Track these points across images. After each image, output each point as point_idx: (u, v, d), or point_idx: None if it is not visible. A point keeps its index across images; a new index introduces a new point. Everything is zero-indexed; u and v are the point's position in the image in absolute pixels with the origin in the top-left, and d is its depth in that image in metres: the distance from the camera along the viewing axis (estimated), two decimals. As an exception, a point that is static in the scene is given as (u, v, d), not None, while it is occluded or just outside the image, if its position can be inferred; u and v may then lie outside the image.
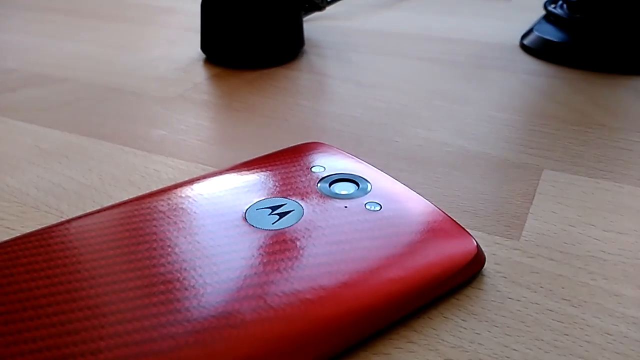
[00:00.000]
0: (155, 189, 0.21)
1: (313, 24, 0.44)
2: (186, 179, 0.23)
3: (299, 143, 0.26)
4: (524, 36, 0.39)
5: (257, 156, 0.24)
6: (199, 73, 0.35)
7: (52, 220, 0.21)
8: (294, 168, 0.21)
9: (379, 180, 0.20)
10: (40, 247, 0.17)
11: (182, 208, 0.19)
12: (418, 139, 0.26)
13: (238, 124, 0.28)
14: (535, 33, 0.37)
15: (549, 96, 0.31)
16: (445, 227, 0.18)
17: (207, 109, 0.30)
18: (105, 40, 0.42)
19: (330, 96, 0.31)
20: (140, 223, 0.18)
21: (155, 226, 0.18)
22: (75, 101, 0.31)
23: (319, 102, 0.31)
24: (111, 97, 0.32)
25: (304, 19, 0.45)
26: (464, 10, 0.48)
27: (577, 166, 0.24)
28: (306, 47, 0.39)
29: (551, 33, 0.37)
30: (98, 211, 0.19)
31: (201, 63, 0.37)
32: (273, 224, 0.18)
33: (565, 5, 0.39)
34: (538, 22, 0.39)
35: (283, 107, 0.30)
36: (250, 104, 0.30)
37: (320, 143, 0.23)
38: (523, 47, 0.38)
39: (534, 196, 0.22)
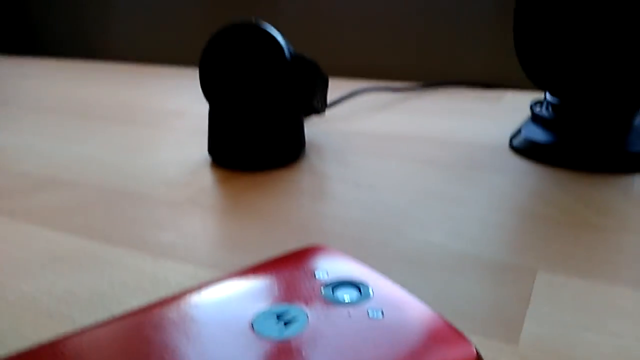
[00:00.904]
0: (163, 297, 0.22)
1: (313, 127, 0.47)
2: (194, 284, 0.24)
3: (302, 246, 0.27)
4: (512, 137, 0.41)
5: (262, 260, 0.25)
6: (206, 176, 0.37)
7: (65, 328, 0.21)
8: (298, 273, 0.22)
9: (381, 286, 0.21)
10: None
11: (190, 317, 0.19)
12: (416, 241, 0.28)
13: (243, 227, 0.29)
14: (523, 134, 0.40)
15: (540, 196, 0.32)
16: (445, 334, 0.19)
17: (214, 212, 0.31)
18: (116, 143, 0.44)
19: (331, 197, 0.33)
20: (150, 333, 0.19)
21: (164, 336, 0.18)
22: (87, 205, 0.33)
23: (320, 204, 0.32)
24: (121, 201, 0.33)
25: (305, 122, 0.47)
26: (454, 112, 0.50)
27: (571, 268, 0.25)
28: (307, 148, 0.41)
29: (538, 134, 0.39)
30: (108, 322, 0.19)
31: (208, 166, 0.38)
32: (279, 333, 0.18)
33: (550, 107, 0.41)
34: (525, 124, 0.42)
35: (286, 209, 0.31)
36: (255, 207, 0.32)
37: (323, 246, 0.25)
38: (512, 147, 0.40)
39: (530, 299, 0.23)
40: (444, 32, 0.68)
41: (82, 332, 0.19)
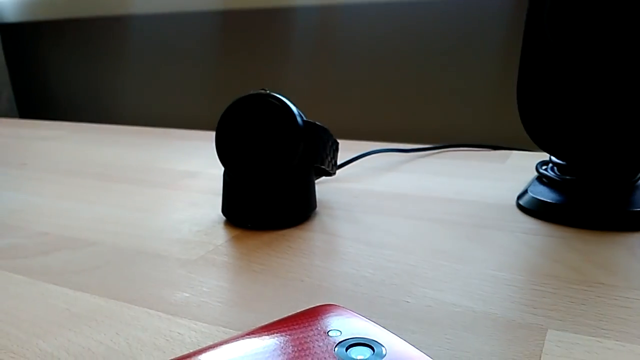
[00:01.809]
0: (178, 356, 0.23)
1: (324, 186, 0.48)
2: (208, 343, 0.24)
3: (315, 305, 0.28)
4: (519, 197, 0.42)
5: (275, 319, 0.26)
6: (220, 235, 0.38)
7: (83, 386, 0.22)
8: (312, 332, 0.23)
9: (393, 345, 0.22)
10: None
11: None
12: (427, 299, 0.28)
13: (256, 286, 0.30)
14: (530, 194, 0.41)
15: (547, 255, 0.33)
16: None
17: (228, 270, 0.32)
18: (132, 204, 0.45)
19: (342, 256, 0.33)
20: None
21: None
22: (104, 264, 0.33)
23: (332, 262, 0.33)
24: (137, 260, 0.34)
25: (316, 181, 0.49)
26: (461, 172, 0.51)
27: (580, 325, 0.25)
28: (318, 208, 0.42)
29: (544, 194, 0.40)
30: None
31: (222, 225, 0.39)
32: (294, 390, 0.19)
33: (555, 168, 0.42)
34: (532, 183, 0.43)
35: (298, 267, 0.32)
36: (268, 265, 0.33)
37: (335, 305, 0.25)
38: (519, 206, 0.41)
39: (540, 357, 0.23)
40: (450, 95, 0.70)
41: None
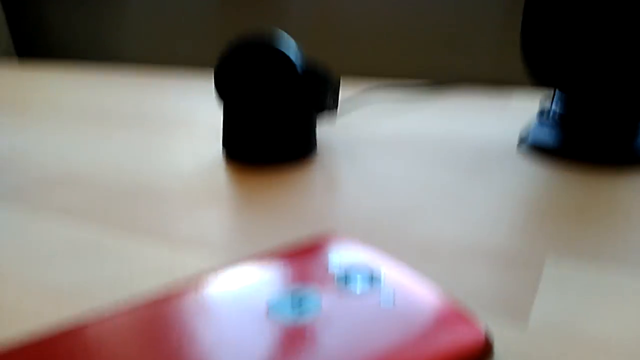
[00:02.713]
0: (180, 285, 0.23)
1: (325, 129, 0.48)
2: (210, 270, 0.25)
3: (316, 235, 0.28)
4: (521, 138, 0.41)
5: (276, 248, 0.26)
6: (221, 172, 0.38)
7: (85, 315, 0.22)
8: (312, 260, 0.23)
9: (392, 271, 0.22)
10: (75, 344, 0.18)
11: (206, 302, 0.20)
12: (427, 234, 0.28)
13: (258, 219, 0.30)
14: (532, 135, 0.40)
15: (549, 195, 0.33)
16: (455, 317, 0.19)
17: (229, 205, 0.32)
18: (132, 143, 0.45)
19: (343, 192, 0.34)
20: (166, 320, 0.19)
21: (181, 323, 0.19)
22: (105, 200, 0.34)
23: (332, 198, 0.33)
24: (139, 196, 0.34)
25: (317, 122, 0.48)
26: (462, 112, 0.51)
27: (579, 254, 0.25)
28: (319, 147, 0.42)
29: (547, 133, 0.40)
30: (126, 308, 0.20)
31: (222, 163, 0.39)
32: (293, 318, 0.19)
33: (558, 107, 0.42)
34: (534, 123, 0.42)
35: (300, 201, 0.32)
36: (269, 200, 0.33)
37: (336, 235, 0.25)
38: (522, 146, 0.40)
39: (538, 286, 0.23)
40: (452, 32, 0.69)
41: (101, 318, 0.20)
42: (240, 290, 0.21)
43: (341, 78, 0.69)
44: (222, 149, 0.40)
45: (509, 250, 0.26)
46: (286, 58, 0.37)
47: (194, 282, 0.22)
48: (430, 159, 0.39)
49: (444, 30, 0.69)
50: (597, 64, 0.36)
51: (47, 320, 0.22)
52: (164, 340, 0.18)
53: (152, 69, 0.80)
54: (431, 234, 0.28)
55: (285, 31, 0.79)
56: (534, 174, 0.36)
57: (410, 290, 0.21)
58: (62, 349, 0.18)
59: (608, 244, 0.26)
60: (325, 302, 0.20)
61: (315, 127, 0.40)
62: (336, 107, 0.44)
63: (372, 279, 0.21)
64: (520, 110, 0.51)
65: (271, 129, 0.38)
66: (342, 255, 0.23)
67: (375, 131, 0.46)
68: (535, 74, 0.38)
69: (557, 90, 0.40)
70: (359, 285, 0.21)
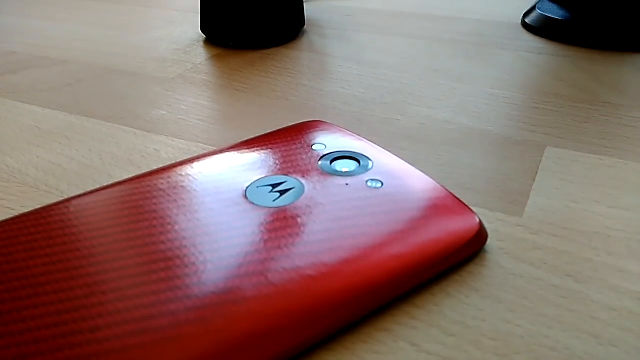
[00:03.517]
0: (155, 168, 0.21)
1: (313, 4, 0.44)
2: (186, 158, 0.23)
3: (300, 121, 0.26)
4: (526, 14, 0.38)
5: (257, 135, 0.24)
6: (199, 54, 0.35)
7: (52, 200, 0.21)
8: (295, 146, 0.21)
9: (381, 158, 0.20)
10: (39, 225, 0.17)
11: (182, 186, 0.19)
12: (420, 117, 0.26)
13: (238, 104, 0.28)
14: (537, 11, 0.37)
15: (552, 74, 0.30)
16: (447, 203, 0.18)
17: (207, 89, 0.30)
18: (106, 21, 0.42)
19: (332, 75, 0.31)
20: (140, 201, 0.18)
21: (155, 204, 0.18)
22: (76, 82, 0.31)
23: (321, 82, 0.30)
24: (111, 78, 0.31)
25: (305, -2, 0.44)
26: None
27: (581, 143, 0.24)
28: (307, 27, 0.39)
29: (553, 11, 0.36)
30: (98, 190, 0.19)
31: (201, 44, 0.36)
32: (274, 201, 0.18)
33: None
34: (540, 1, 0.39)
35: (284, 86, 0.30)
36: (251, 84, 0.30)
37: (321, 121, 0.23)
38: (525, 25, 0.38)
39: (536, 173, 0.22)
40: None
41: (70, 200, 0.18)
42: (217, 175, 0.19)
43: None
44: (201, 30, 0.37)
45: (507, 136, 0.24)
46: None
47: (169, 167, 0.20)
48: (426, 37, 0.36)
49: None
50: None
51: (8, 204, 0.20)
52: (138, 223, 0.17)
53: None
54: (424, 120, 0.26)
55: None
56: (538, 52, 0.33)
57: (400, 176, 0.19)
58: (25, 233, 0.16)
59: (612, 131, 0.25)
60: (307, 187, 0.18)
61: (302, 2, 0.37)
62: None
63: (360, 165, 0.20)
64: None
65: (254, 7, 0.34)
66: (328, 141, 0.21)
67: (368, 9, 0.42)
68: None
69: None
70: (344, 171, 0.19)
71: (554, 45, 0.34)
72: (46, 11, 0.45)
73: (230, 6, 0.34)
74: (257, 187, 0.18)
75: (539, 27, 0.36)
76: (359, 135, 0.24)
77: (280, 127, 0.25)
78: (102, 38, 0.38)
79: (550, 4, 0.38)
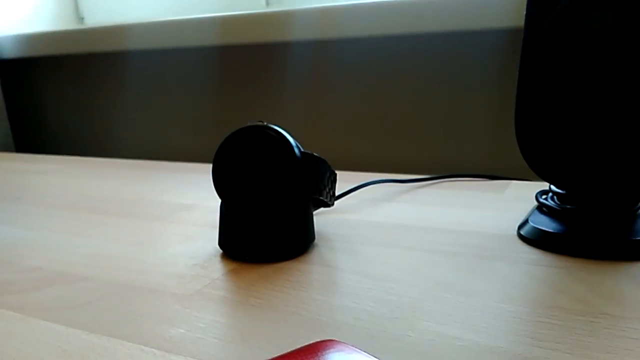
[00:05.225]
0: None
1: (322, 218, 0.47)
2: (205, 380, 0.23)
3: (314, 341, 0.27)
4: (520, 226, 0.41)
5: (273, 356, 0.25)
6: (217, 269, 0.37)
7: None
8: (312, 368, 0.22)
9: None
10: None
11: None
12: (430, 333, 0.27)
13: (254, 320, 0.29)
14: (531, 224, 0.40)
15: (551, 286, 0.32)
16: None
17: (224, 305, 0.31)
18: (127, 237, 0.45)
19: (342, 289, 0.33)
20: None
21: None
22: (97, 300, 0.33)
23: (332, 296, 0.32)
24: (131, 295, 0.33)
25: (314, 213, 0.48)
26: (460, 203, 0.51)
27: (588, 358, 0.24)
28: (317, 240, 0.42)
29: (545, 223, 0.39)
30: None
31: (218, 258, 0.39)
32: None
33: (555, 197, 0.42)
34: (532, 213, 0.42)
35: (297, 301, 0.31)
36: (266, 299, 0.32)
37: (335, 341, 0.24)
38: (520, 237, 0.40)
39: (549, 393, 0.22)
40: (447, 127, 0.71)
41: None
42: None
43: (338, 172, 0.69)
44: (219, 245, 0.39)
45: (515, 353, 0.25)
46: (284, 140, 0.37)
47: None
48: (429, 250, 0.38)
49: (438, 123, 0.71)
50: (591, 161, 0.36)
51: None
52: None
53: (146, 162, 0.81)
54: (433, 337, 0.27)
55: (281, 125, 0.80)
56: (535, 264, 0.35)
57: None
58: None
59: (617, 344, 0.26)
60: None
61: (312, 220, 0.40)
62: (334, 198, 0.44)
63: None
64: (518, 200, 0.51)
65: (269, 226, 0.37)
66: (343, 361, 0.22)
67: (372, 223, 0.46)
68: (534, 169, 0.39)
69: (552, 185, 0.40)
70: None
71: (550, 256, 0.37)
72: (69, 226, 0.48)
73: (247, 223, 0.37)
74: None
75: (534, 239, 0.39)
76: (373, 355, 0.24)
77: (295, 346, 0.26)
78: (122, 254, 0.41)
79: (542, 216, 0.41)
